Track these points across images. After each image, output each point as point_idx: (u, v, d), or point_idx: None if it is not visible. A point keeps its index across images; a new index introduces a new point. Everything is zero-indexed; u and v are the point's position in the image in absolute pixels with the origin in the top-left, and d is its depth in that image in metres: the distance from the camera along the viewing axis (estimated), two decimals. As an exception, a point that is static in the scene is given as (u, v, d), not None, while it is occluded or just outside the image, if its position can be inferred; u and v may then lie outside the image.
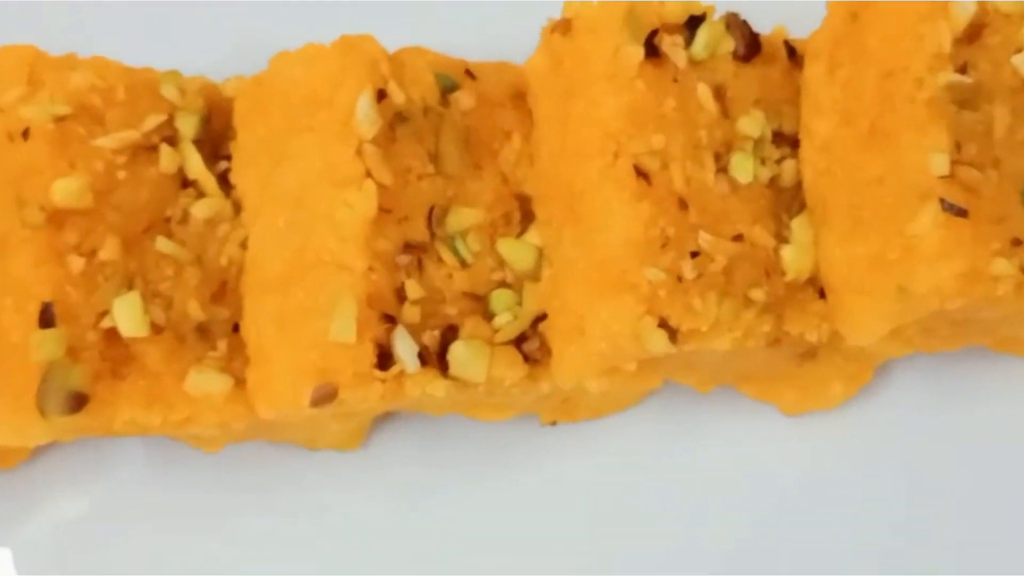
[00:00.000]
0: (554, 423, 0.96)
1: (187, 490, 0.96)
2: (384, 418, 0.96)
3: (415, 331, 0.84)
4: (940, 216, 0.78)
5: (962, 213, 0.78)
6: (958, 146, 0.80)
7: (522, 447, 0.96)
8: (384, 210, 0.84)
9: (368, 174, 0.83)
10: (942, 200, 0.78)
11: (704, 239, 0.82)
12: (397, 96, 0.86)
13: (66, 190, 0.83)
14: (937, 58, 0.81)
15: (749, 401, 0.95)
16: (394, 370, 0.82)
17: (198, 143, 0.88)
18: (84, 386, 0.82)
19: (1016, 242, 0.80)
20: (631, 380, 0.87)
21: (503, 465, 0.96)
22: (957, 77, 0.81)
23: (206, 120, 0.89)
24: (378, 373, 0.82)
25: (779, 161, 0.87)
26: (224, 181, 0.89)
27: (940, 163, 0.79)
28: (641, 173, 0.82)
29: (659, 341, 0.81)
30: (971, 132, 0.81)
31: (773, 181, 0.87)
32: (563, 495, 0.95)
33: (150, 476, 0.96)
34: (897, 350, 0.90)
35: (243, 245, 0.88)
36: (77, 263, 0.83)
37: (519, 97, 0.91)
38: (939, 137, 0.80)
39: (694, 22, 0.86)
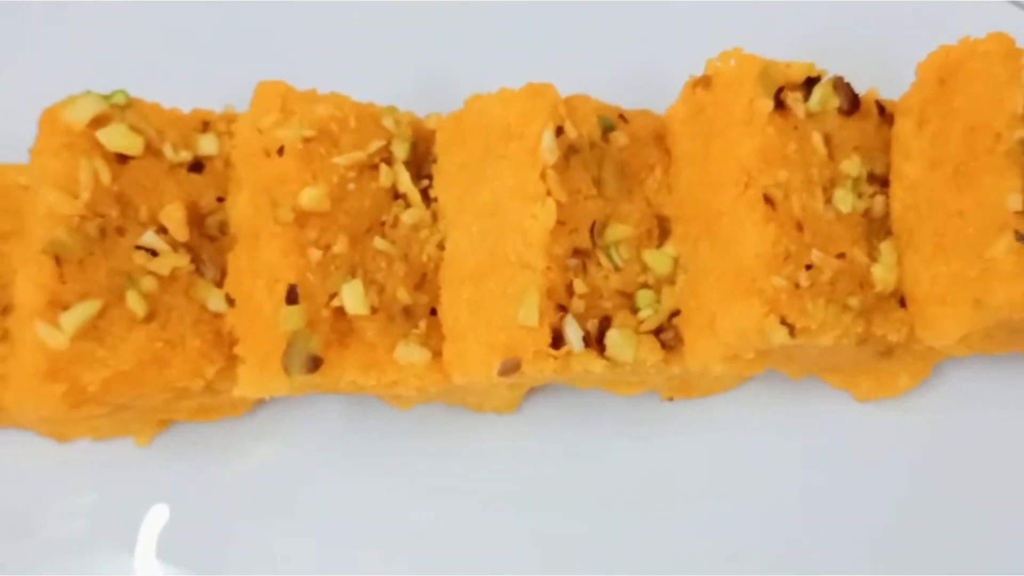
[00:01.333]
0: (672, 399, 0.95)
1: (376, 440, 0.94)
2: (536, 388, 0.95)
3: (580, 320, 0.83)
4: (1014, 244, 0.78)
5: (1032, 242, 0.78)
6: (1028, 188, 0.80)
7: (647, 417, 0.95)
8: (560, 222, 0.83)
9: (549, 193, 0.83)
10: (1016, 231, 0.78)
11: (816, 255, 0.82)
12: (571, 132, 0.85)
13: (311, 196, 0.83)
14: (1013, 117, 0.80)
15: (828, 387, 0.95)
16: (564, 350, 0.82)
17: (407, 164, 0.88)
18: (320, 351, 0.82)
19: (1073, 267, 0.79)
20: (744, 366, 0.86)
21: (631, 430, 0.94)
22: (1028, 134, 0.80)
23: (413, 146, 0.89)
24: (552, 352, 0.82)
25: (872, 196, 0.87)
26: (425, 195, 0.89)
27: (1015, 201, 0.79)
28: (768, 200, 0.82)
29: (780, 335, 0.80)
30: (1039, 178, 0.80)
31: (866, 212, 0.86)
32: (678, 455, 0.94)
33: (347, 427, 0.95)
34: (960, 351, 0.89)
35: (440, 246, 0.87)
36: (315, 255, 0.83)
37: (660, 138, 0.91)
38: (1014, 181, 0.79)
39: (811, 82, 0.85)
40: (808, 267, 0.81)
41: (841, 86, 0.86)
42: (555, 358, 0.82)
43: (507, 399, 0.93)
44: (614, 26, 1.00)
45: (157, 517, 0.92)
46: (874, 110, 0.88)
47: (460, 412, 0.95)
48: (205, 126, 0.89)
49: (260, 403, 0.94)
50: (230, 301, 0.85)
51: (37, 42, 0.99)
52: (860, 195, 0.86)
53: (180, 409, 0.91)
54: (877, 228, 0.86)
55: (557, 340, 0.82)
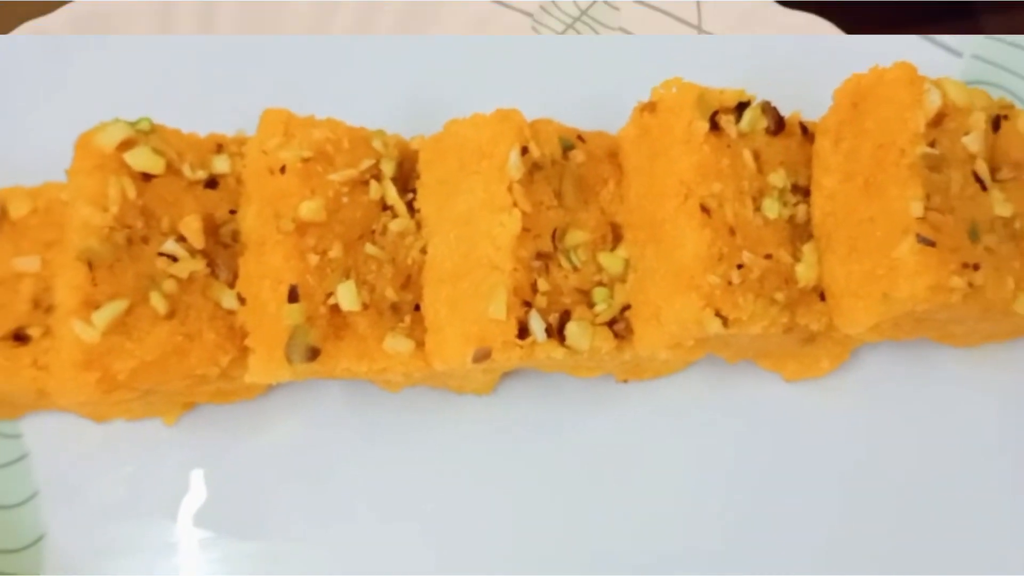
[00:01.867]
0: (626, 381, 0.95)
1: (373, 419, 0.94)
2: (509, 373, 0.94)
3: (543, 313, 0.83)
4: (916, 246, 0.77)
5: (931, 244, 0.77)
6: (928, 197, 0.79)
7: (605, 396, 0.94)
8: (525, 229, 0.83)
9: (515, 204, 0.82)
10: (917, 234, 0.77)
11: (746, 256, 0.82)
12: (535, 152, 0.84)
13: (309, 209, 0.82)
14: (915, 135, 0.80)
15: (760, 369, 0.94)
16: (529, 340, 0.81)
17: (394, 180, 0.87)
18: (317, 343, 0.81)
19: (965, 265, 0.78)
20: (687, 352, 0.86)
21: (591, 408, 0.94)
22: (928, 150, 0.80)
23: (399, 164, 0.88)
24: (518, 341, 0.81)
25: (795, 205, 0.86)
26: (410, 207, 0.88)
27: (917, 209, 0.78)
28: (705, 209, 0.81)
29: (715, 326, 0.80)
30: (937, 188, 0.80)
31: (791, 218, 0.85)
32: (633, 428, 0.94)
33: (347, 409, 0.94)
34: (872, 338, 0.88)
35: (423, 251, 0.87)
36: (314, 259, 0.82)
37: (613, 155, 0.90)
38: (916, 191, 0.79)
39: (742, 106, 0.85)
40: (739, 266, 0.81)
41: (768, 109, 0.86)
42: (521, 347, 0.81)
43: (483, 382, 0.93)
44: (573, 61, 1.00)
45: (187, 487, 0.92)
46: (797, 130, 0.88)
47: (443, 394, 0.94)
48: (219, 148, 0.88)
49: (271, 387, 0.93)
50: (241, 300, 0.84)
51: (74, 79, 0.99)
52: (785, 204, 0.85)
53: (201, 393, 0.90)
54: (800, 232, 0.86)
55: (523, 331, 0.81)
